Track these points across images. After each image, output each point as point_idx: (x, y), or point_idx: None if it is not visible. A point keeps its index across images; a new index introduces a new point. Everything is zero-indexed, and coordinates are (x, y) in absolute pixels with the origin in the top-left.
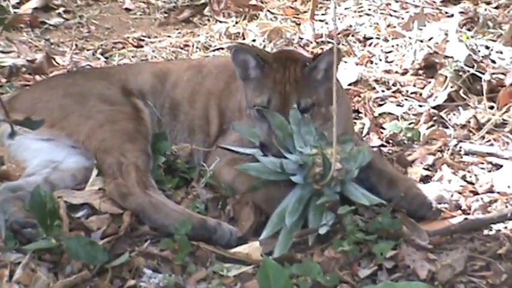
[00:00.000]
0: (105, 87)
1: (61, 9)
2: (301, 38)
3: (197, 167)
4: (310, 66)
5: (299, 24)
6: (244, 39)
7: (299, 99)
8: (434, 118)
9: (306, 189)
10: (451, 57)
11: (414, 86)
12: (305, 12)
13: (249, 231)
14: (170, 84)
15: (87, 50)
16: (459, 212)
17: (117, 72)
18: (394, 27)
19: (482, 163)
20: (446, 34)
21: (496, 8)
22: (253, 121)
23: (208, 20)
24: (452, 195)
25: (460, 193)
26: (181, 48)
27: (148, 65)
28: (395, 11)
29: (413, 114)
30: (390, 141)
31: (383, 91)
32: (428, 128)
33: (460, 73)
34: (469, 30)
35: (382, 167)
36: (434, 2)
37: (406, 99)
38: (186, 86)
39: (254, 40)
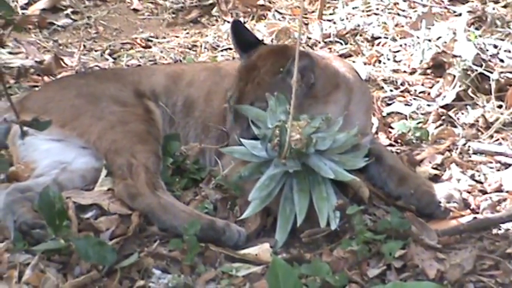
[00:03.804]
0: (118, 89)
1: (69, 10)
2: (310, 38)
3: (207, 167)
4: (283, 72)
5: (307, 24)
6: None
7: (253, 101)
8: (443, 117)
9: (277, 166)
10: (459, 56)
11: (422, 85)
12: (313, 12)
13: (254, 233)
14: (185, 84)
15: (95, 51)
16: (468, 211)
17: (130, 74)
18: (402, 26)
19: (491, 162)
20: (454, 33)
21: (504, 7)
22: None
23: (216, 20)
24: (461, 194)
25: (468, 192)
26: (190, 49)
27: (162, 67)
28: (403, 11)
29: (422, 114)
30: (399, 140)
31: (391, 90)
32: (436, 128)
33: (469, 72)
34: (477, 29)
35: (393, 163)
36: (442, 1)
37: (414, 99)
38: (203, 86)
39: (262, 40)
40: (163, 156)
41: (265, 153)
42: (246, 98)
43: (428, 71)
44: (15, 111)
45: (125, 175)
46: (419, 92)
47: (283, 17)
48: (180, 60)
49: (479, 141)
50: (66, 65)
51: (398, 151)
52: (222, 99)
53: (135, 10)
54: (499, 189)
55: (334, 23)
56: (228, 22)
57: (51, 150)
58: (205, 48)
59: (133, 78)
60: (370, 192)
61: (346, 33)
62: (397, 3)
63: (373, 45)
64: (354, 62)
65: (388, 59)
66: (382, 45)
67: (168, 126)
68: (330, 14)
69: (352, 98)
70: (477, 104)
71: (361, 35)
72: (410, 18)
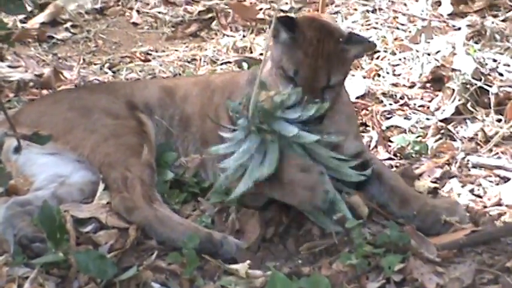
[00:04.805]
0: (110, 101)
1: (68, 24)
2: None
3: (209, 180)
4: (346, 45)
5: None
6: (251, 52)
7: (330, 74)
8: (442, 131)
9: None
10: (459, 70)
11: (422, 99)
12: None
13: (255, 243)
14: (179, 98)
15: (95, 65)
16: (467, 225)
17: (123, 86)
18: (402, 40)
19: (490, 176)
20: (453, 47)
21: (503, 21)
22: (277, 80)
23: (216, 34)
24: (464, 209)
25: (468, 206)
26: (189, 62)
27: (154, 80)
28: (402, 24)
29: (421, 128)
30: (398, 154)
31: (390, 104)
32: (436, 141)
33: (468, 86)
34: (476, 43)
35: (394, 183)
36: (441, 15)
37: (413, 113)
38: (196, 101)
39: (262, 54)
40: (160, 169)
41: (240, 130)
42: (322, 72)
43: (428, 85)
44: (12, 126)
45: (120, 188)
46: (419, 106)
47: None
48: (180, 74)
49: (479, 155)
50: (66, 78)
51: (398, 165)
52: (214, 113)
53: (135, 24)
54: (498, 203)
55: None
56: (228, 36)
57: (48, 163)
58: (204, 61)
59: (125, 90)
60: (369, 209)
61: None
62: (397, 17)
63: (372, 59)
64: (353, 75)
65: (388, 73)
66: (382, 59)
67: (164, 139)
68: None
69: None
70: (476, 118)
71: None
72: (410, 32)
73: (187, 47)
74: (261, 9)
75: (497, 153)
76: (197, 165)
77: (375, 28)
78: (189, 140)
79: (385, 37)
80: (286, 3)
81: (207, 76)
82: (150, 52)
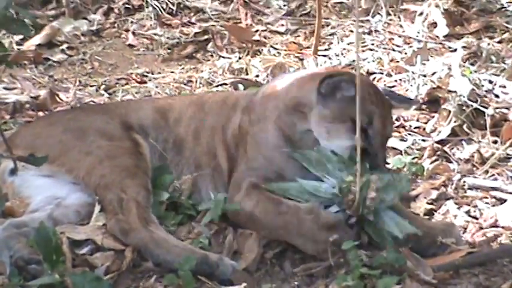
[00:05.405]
0: (105, 122)
1: (64, 46)
2: None
3: (203, 202)
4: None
5: (302, 60)
6: (247, 74)
7: (392, 124)
8: (438, 153)
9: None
10: (455, 91)
11: (418, 120)
12: (308, 47)
13: (253, 263)
14: (173, 120)
15: (91, 86)
16: (464, 246)
17: (117, 107)
18: (398, 62)
19: (486, 197)
20: (449, 69)
21: (499, 42)
22: (339, 135)
23: (212, 55)
24: (460, 231)
25: (464, 228)
26: (185, 84)
27: (149, 101)
28: (398, 46)
29: (417, 149)
30: None
31: None
32: (432, 163)
33: (464, 107)
34: (472, 64)
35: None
36: (437, 36)
37: (409, 134)
38: (190, 123)
39: (257, 76)
40: (156, 190)
41: (337, 206)
42: (389, 120)
43: (424, 106)
44: (8, 148)
45: (116, 210)
46: (415, 127)
47: (278, 53)
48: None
49: (475, 177)
50: (62, 100)
51: None
52: (208, 136)
53: (131, 45)
54: (494, 225)
55: (330, 58)
56: (223, 57)
57: (44, 185)
58: (200, 83)
59: (120, 111)
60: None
61: (342, 69)
62: (392, 39)
63: None
64: None
65: None
66: (378, 81)
67: (158, 162)
68: (325, 50)
69: None
70: (472, 140)
71: (356, 71)
72: (406, 53)
73: (183, 68)
74: (256, 31)
75: (493, 174)
76: (190, 186)
77: (371, 50)
78: (182, 163)
79: (381, 59)
80: (282, 24)
81: (200, 96)
82: (146, 74)
